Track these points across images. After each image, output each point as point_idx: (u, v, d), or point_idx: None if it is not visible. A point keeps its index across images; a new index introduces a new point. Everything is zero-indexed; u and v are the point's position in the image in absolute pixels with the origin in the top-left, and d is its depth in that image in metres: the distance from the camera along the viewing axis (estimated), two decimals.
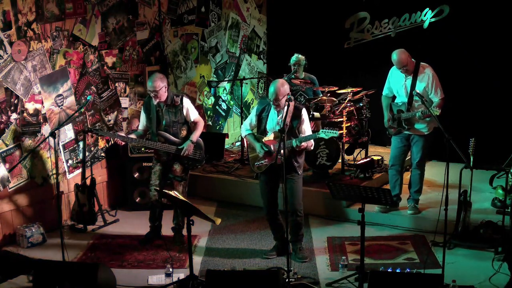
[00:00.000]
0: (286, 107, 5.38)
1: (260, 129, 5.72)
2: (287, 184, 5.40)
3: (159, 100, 5.89)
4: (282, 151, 5.14)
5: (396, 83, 6.29)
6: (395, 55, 6.09)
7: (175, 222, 6.21)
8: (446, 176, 4.83)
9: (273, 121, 5.60)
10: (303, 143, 5.47)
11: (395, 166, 6.50)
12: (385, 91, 6.50)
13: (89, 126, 6.86)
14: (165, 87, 5.90)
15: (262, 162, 5.65)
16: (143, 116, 6.11)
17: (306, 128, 5.62)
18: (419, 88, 6.06)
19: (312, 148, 5.68)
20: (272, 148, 5.58)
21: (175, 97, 6.02)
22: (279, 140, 5.23)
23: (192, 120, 6.07)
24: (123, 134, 6.62)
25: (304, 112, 5.63)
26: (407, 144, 6.41)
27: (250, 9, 9.52)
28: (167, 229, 6.30)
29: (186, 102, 6.03)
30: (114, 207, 7.32)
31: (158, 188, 5.90)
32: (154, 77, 5.91)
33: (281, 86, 5.45)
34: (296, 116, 5.56)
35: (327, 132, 5.41)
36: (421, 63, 6.17)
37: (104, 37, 7.16)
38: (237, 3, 9.26)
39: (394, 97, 6.46)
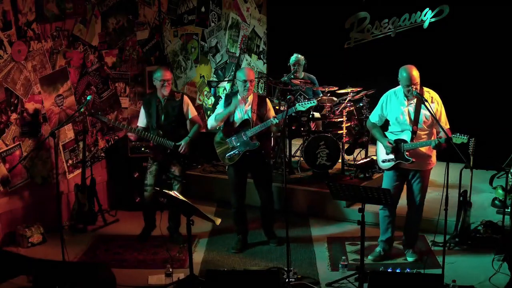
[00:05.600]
0: (286, 108, 5.50)
1: (228, 122, 5.87)
2: (263, 176, 5.87)
3: (165, 92, 5.96)
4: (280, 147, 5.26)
5: (395, 110, 5.41)
6: (406, 71, 5.22)
7: (172, 222, 6.22)
8: (446, 176, 4.83)
9: (241, 111, 5.78)
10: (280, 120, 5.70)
11: (390, 207, 5.54)
12: (373, 119, 5.59)
13: (91, 111, 6.76)
14: (172, 79, 6.10)
15: (234, 152, 5.77)
16: (142, 113, 6.14)
17: (273, 114, 5.86)
18: (426, 112, 5.25)
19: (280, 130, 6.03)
20: (244, 138, 5.73)
21: (175, 93, 6.11)
22: (279, 138, 5.35)
23: (190, 117, 6.12)
24: (125, 124, 6.67)
25: (266, 98, 5.96)
26: (403, 180, 5.53)
27: (250, 9, 9.51)
28: (166, 230, 6.30)
29: (187, 99, 6.14)
30: (114, 207, 7.32)
31: (157, 188, 5.90)
32: (164, 68, 6.21)
33: (251, 69, 5.89)
34: (262, 103, 5.83)
35: (304, 104, 5.61)
36: (424, 87, 5.40)
37: (104, 37, 7.17)
38: (237, 3, 9.26)
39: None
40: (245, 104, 5.79)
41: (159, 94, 6.00)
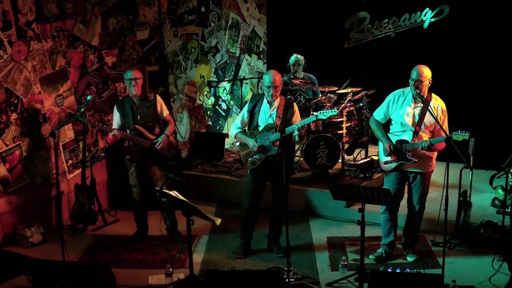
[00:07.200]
0: (286, 106, 5.45)
1: (252, 125, 5.79)
2: (280, 183, 5.51)
3: (136, 92, 5.99)
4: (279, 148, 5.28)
5: (400, 110, 5.41)
6: (416, 67, 5.29)
7: (168, 222, 6.22)
8: (446, 176, 4.83)
9: (266, 114, 5.70)
10: (304, 127, 5.55)
11: (392, 209, 5.60)
12: (378, 116, 5.58)
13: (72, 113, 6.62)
14: (142, 80, 6.08)
15: (256, 157, 5.70)
16: (116, 115, 6.11)
17: (298, 119, 5.71)
18: (430, 118, 5.29)
19: (304, 139, 5.87)
20: (266, 143, 5.61)
21: (148, 93, 6.15)
22: (280, 141, 5.30)
23: (164, 116, 6.18)
24: (102, 124, 6.64)
25: (294, 103, 5.75)
26: (404, 183, 5.56)
27: (250, 9, 9.52)
28: (165, 230, 6.30)
29: (160, 99, 6.20)
30: (114, 207, 7.31)
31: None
32: (133, 67, 6.30)
33: (277, 74, 5.63)
34: (288, 107, 5.64)
35: (325, 112, 5.50)
36: (433, 93, 5.42)
37: (104, 37, 7.16)
38: (237, 3, 9.26)
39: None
40: (270, 108, 5.68)
41: (131, 94, 6.03)
